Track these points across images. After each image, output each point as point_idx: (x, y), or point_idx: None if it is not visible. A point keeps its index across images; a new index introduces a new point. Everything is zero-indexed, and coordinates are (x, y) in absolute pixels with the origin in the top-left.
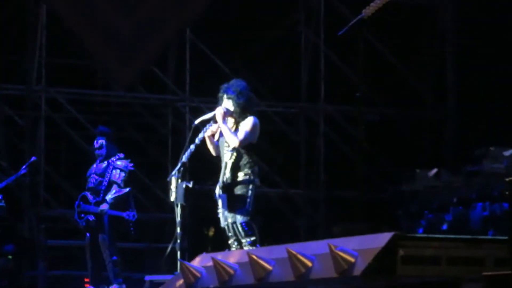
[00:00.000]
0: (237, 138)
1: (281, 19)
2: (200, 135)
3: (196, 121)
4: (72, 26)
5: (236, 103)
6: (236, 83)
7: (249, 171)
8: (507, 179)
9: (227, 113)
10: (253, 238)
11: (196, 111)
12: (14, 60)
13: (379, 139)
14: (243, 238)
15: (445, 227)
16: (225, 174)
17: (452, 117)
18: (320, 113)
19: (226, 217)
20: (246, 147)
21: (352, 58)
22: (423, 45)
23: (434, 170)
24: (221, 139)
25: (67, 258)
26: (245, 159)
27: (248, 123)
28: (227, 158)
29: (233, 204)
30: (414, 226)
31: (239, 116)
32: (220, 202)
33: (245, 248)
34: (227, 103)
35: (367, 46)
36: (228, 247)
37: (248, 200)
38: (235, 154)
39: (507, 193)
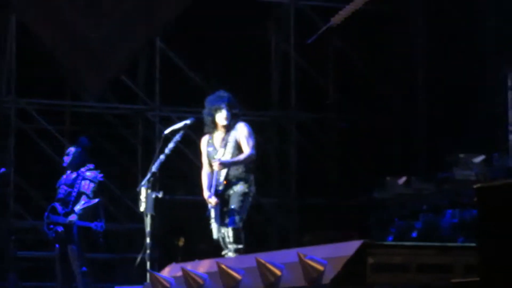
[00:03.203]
0: (250, 153)
1: (251, 27)
2: (170, 145)
3: (166, 131)
4: (42, 36)
5: (232, 113)
6: (227, 93)
7: (247, 179)
8: (475, 186)
9: (225, 164)
10: (240, 246)
11: (166, 120)
12: None
13: (350, 146)
14: (230, 244)
15: (415, 234)
16: (218, 185)
17: (422, 123)
18: (292, 120)
19: (219, 229)
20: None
21: (323, 65)
22: (393, 52)
23: (404, 178)
24: (209, 149)
25: (37, 270)
26: (241, 168)
27: (244, 130)
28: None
29: (225, 214)
30: (384, 234)
31: (233, 124)
32: (212, 213)
33: (230, 254)
34: (226, 112)
35: (337, 53)
36: (198, 256)
37: (243, 208)
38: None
39: (475, 200)
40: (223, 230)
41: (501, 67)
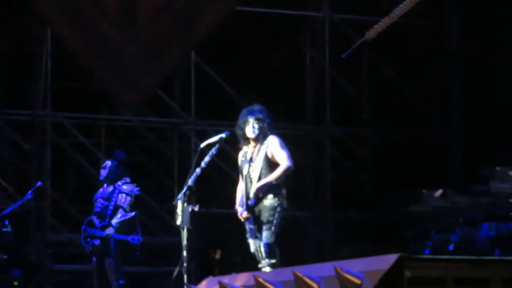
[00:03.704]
0: (285, 166)
1: (286, 41)
2: (206, 159)
3: (202, 145)
4: (77, 50)
5: (263, 124)
6: (259, 107)
7: (278, 194)
8: (511, 200)
9: (262, 188)
10: (273, 261)
11: (201, 134)
12: (20, 85)
13: (385, 160)
14: (263, 259)
15: (451, 247)
16: (249, 199)
17: (458, 136)
18: (327, 134)
19: (254, 243)
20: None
21: (358, 79)
22: (428, 65)
23: (440, 191)
24: (243, 164)
25: (74, 283)
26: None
27: (276, 143)
28: (255, 180)
29: (259, 228)
30: (420, 247)
31: (263, 138)
32: (247, 227)
33: (264, 270)
34: (254, 125)
35: (372, 67)
36: (235, 270)
37: (275, 222)
38: (263, 176)
39: None
40: (257, 244)
41: None
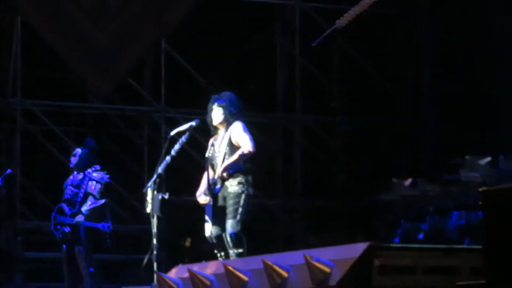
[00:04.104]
0: (247, 148)
1: (256, 29)
2: (176, 147)
3: (172, 133)
4: (48, 37)
5: (228, 111)
6: (227, 94)
7: (243, 180)
8: (480, 189)
9: (226, 169)
10: (240, 251)
11: (172, 122)
12: None
13: (355, 149)
14: (230, 249)
15: (421, 236)
16: (213, 184)
17: (428, 126)
18: (297, 123)
19: (211, 228)
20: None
21: (328, 67)
22: (399, 54)
23: (410, 180)
24: (210, 150)
25: (44, 270)
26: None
27: (238, 128)
28: (219, 165)
29: (222, 215)
30: (390, 236)
31: (226, 124)
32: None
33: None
34: (217, 111)
35: (343, 56)
36: (205, 258)
37: (240, 210)
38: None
39: (481, 203)
40: (216, 231)
41: (508, 68)
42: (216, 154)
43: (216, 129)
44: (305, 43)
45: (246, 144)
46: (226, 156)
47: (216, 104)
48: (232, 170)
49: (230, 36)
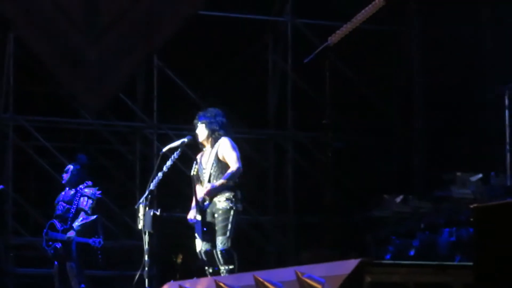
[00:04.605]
0: (234, 170)
1: (249, 45)
2: (168, 163)
3: (164, 149)
4: (40, 53)
5: (208, 127)
6: (211, 110)
7: (230, 196)
8: (472, 206)
9: (212, 192)
10: (231, 267)
11: (164, 138)
12: None
13: (347, 165)
14: (221, 265)
15: (412, 252)
16: (202, 201)
17: (419, 142)
18: (289, 139)
19: (201, 245)
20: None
21: (320, 84)
22: (391, 71)
23: (401, 196)
24: (197, 166)
25: (36, 286)
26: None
27: (225, 145)
28: (205, 182)
29: (211, 231)
30: (381, 252)
31: (212, 140)
32: (196, 228)
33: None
34: (201, 128)
35: (334, 72)
36: (196, 274)
37: (229, 227)
38: (213, 178)
39: (472, 220)
40: (205, 247)
41: (498, 86)
42: (203, 170)
43: (202, 145)
44: (297, 60)
45: (234, 164)
46: (213, 173)
47: (199, 121)
48: (217, 193)
49: (223, 52)
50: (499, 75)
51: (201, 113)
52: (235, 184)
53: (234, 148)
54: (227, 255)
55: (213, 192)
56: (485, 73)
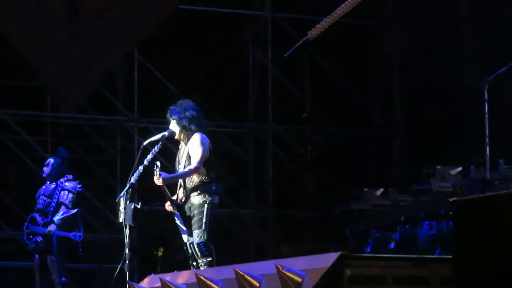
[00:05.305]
0: (195, 166)
1: (229, 39)
2: (149, 156)
3: (145, 142)
4: (20, 47)
5: (178, 124)
6: (181, 104)
7: (203, 190)
8: (451, 199)
9: (166, 179)
10: (209, 259)
11: (144, 131)
12: None
13: (327, 158)
14: (199, 258)
15: (392, 246)
16: (179, 194)
17: (399, 135)
18: (269, 133)
19: (185, 238)
20: (204, 164)
21: (300, 78)
22: (370, 65)
23: (381, 190)
24: (176, 162)
25: (17, 280)
26: (196, 178)
27: (194, 142)
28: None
29: (188, 225)
30: (361, 245)
31: (184, 136)
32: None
33: (202, 269)
34: (173, 124)
35: (314, 66)
36: (177, 267)
37: (204, 220)
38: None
39: (451, 213)
40: (189, 240)
41: (478, 80)
42: (179, 166)
43: (179, 140)
44: (277, 54)
45: (194, 162)
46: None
47: (170, 117)
48: (169, 182)
49: (203, 46)
50: (479, 69)
51: (171, 108)
52: (208, 178)
53: (202, 145)
54: (205, 247)
55: (168, 180)
56: (465, 67)
